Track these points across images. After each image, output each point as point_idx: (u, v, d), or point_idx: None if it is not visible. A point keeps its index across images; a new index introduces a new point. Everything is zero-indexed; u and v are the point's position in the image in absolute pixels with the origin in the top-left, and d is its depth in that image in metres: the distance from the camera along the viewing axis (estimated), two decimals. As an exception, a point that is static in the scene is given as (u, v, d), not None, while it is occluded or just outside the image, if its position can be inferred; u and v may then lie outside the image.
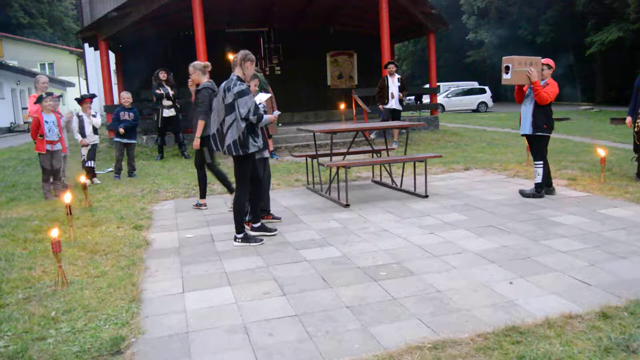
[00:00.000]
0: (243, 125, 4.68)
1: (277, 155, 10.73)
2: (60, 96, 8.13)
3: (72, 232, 5.23)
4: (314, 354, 2.84)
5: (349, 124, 9.99)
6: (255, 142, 4.80)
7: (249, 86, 4.88)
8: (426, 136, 13.17)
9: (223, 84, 4.81)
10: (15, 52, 35.63)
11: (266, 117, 5.18)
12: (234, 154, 4.77)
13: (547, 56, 6.53)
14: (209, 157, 6.32)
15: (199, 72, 6.25)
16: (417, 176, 6.91)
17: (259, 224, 5.21)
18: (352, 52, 17.44)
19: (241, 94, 4.64)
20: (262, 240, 5.00)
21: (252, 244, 4.93)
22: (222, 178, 6.52)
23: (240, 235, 4.96)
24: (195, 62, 6.37)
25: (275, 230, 5.28)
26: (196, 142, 6.16)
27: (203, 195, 6.66)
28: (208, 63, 6.38)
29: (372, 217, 5.76)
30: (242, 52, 4.81)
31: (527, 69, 6.06)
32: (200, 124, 6.09)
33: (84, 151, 8.53)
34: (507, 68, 6.13)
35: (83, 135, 8.38)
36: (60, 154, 7.39)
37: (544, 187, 6.38)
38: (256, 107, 4.72)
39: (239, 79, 4.74)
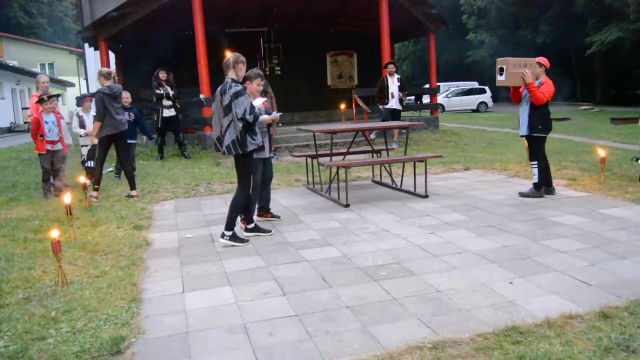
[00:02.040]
0: (240, 125, 4.73)
1: (277, 155, 10.73)
2: (59, 95, 8.15)
3: (72, 232, 5.23)
4: (314, 354, 2.84)
5: (349, 124, 9.99)
6: (254, 140, 4.84)
7: (245, 87, 4.90)
8: (426, 136, 13.17)
9: (219, 88, 4.87)
10: (15, 52, 35.66)
11: (262, 117, 5.20)
12: (233, 153, 4.81)
13: (547, 56, 6.53)
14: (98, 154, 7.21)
15: (102, 78, 7.03)
16: (417, 176, 6.91)
17: (252, 225, 5.21)
18: (352, 52, 17.43)
19: (237, 94, 4.69)
20: (248, 240, 5.01)
21: (237, 244, 4.91)
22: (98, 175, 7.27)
23: (229, 233, 4.95)
24: (101, 68, 7.11)
25: (270, 231, 5.27)
26: (92, 140, 7.25)
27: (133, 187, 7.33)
28: (112, 70, 7.12)
29: (372, 217, 5.77)
30: (233, 55, 4.87)
31: (522, 71, 6.09)
32: (97, 125, 7.00)
33: (84, 151, 8.52)
34: (502, 70, 6.18)
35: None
36: (61, 154, 7.39)
37: (544, 187, 6.39)
38: (252, 106, 4.74)
39: (233, 80, 4.79)
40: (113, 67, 16.52)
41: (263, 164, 5.56)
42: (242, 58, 4.88)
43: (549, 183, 6.48)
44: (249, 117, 4.70)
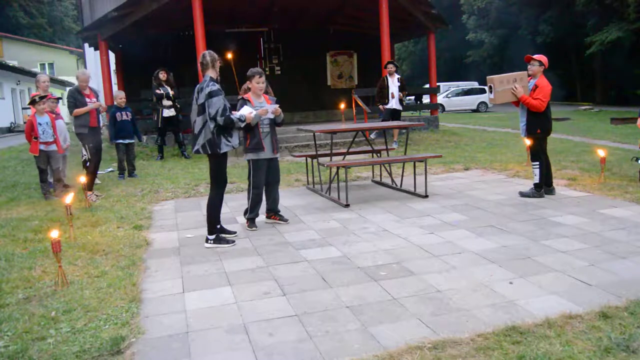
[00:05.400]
0: (212, 125, 4.66)
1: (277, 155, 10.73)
2: (60, 98, 8.16)
3: (72, 232, 5.23)
4: (314, 354, 2.84)
5: (349, 124, 9.99)
6: (229, 141, 4.77)
7: (219, 88, 4.72)
8: (426, 136, 13.17)
9: (197, 86, 4.79)
10: (15, 52, 35.66)
11: (253, 113, 5.07)
12: (209, 152, 4.76)
13: (547, 56, 6.53)
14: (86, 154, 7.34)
15: None
16: (417, 176, 6.91)
17: (213, 236, 4.94)
18: (352, 52, 17.44)
19: (211, 94, 4.62)
20: (234, 241, 4.97)
21: (223, 246, 4.89)
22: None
23: (212, 237, 4.92)
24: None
25: (234, 242, 4.99)
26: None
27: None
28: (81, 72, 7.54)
29: (372, 217, 5.76)
30: (209, 54, 4.80)
31: (512, 87, 6.09)
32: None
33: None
34: (491, 88, 6.19)
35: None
36: (57, 154, 7.38)
37: (544, 187, 6.39)
38: (224, 109, 4.65)
39: (212, 79, 4.73)
40: (113, 67, 16.55)
41: (267, 164, 5.47)
42: (215, 54, 4.85)
43: (549, 183, 6.48)
44: (220, 119, 4.62)
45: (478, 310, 3.29)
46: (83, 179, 6.86)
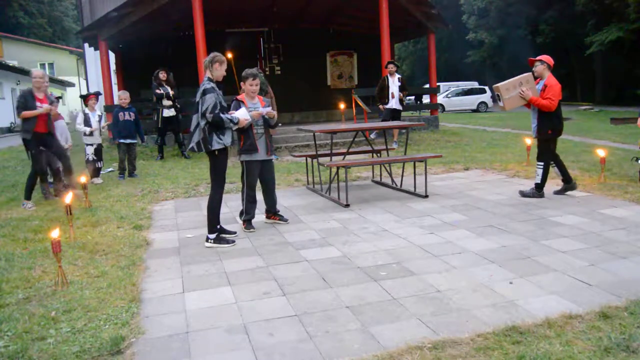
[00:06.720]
0: (203, 122, 4.71)
1: (277, 155, 10.73)
2: (60, 97, 8.15)
3: (72, 232, 5.23)
4: (314, 354, 2.85)
5: (349, 124, 9.99)
6: (220, 139, 4.77)
7: (214, 86, 4.75)
8: (426, 136, 13.17)
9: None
10: (15, 52, 35.66)
11: (242, 115, 5.02)
12: (202, 150, 4.78)
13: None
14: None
15: None
16: (417, 176, 6.91)
17: (214, 235, 4.96)
18: (352, 52, 17.43)
19: (205, 92, 4.68)
20: (234, 241, 4.97)
21: (223, 246, 4.89)
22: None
23: (213, 236, 4.92)
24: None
25: (234, 242, 4.99)
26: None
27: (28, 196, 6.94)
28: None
29: (372, 217, 5.76)
30: (210, 55, 4.84)
31: (519, 91, 6.07)
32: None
33: (89, 150, 8.56)
34: (498, 96, 6.18)
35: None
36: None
37: (564, 184, 6.40)
38: (214, 106, 4.66)
39: (208, 79, 4.79)
40: (113, 67, 16.55)
41: (261, 166, 5.46)
42: (220, 57, 4.82)
43: (568, 180, 6.44)
44: (208, 116, 4.65)
45: (478, 310, 3.29)
46: (83, 179, 6.86)
